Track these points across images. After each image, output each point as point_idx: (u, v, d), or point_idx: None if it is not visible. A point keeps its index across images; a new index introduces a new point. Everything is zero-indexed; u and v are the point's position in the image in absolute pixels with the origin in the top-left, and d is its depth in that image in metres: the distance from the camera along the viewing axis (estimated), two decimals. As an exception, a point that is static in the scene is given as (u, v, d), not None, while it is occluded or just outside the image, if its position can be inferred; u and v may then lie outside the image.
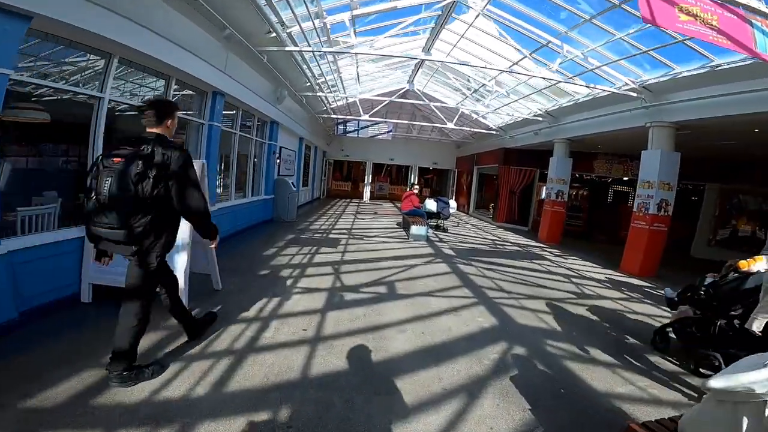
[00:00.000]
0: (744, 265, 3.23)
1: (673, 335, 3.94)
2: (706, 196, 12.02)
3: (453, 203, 11.35)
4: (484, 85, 10.95)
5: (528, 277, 6.65)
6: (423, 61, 10.49)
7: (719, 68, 6.09)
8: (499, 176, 14.79)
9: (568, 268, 7.87)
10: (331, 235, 9.07)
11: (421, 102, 12.48)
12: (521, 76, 9.53)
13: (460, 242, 9.81)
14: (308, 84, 10.10)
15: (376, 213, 15.01)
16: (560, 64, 7.42)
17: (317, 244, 7.75)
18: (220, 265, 4.65)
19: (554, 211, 11.20)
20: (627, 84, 7.56)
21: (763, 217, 11.51)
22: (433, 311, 4.58)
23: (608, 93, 8.37)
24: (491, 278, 6.31)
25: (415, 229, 9.30)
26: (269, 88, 9.02)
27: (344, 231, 9.90)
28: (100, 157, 2.45)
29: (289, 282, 5.20)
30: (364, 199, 20.38)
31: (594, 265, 8.49)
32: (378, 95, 14.08)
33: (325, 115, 14.29)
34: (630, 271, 7.90)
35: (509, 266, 7.44)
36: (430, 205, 11.15)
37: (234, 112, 7.98)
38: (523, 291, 5.73)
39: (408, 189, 11.56)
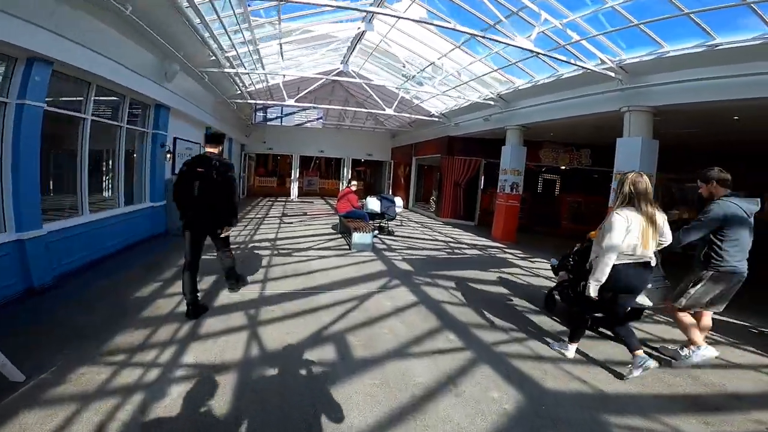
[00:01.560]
0: (593, 235, 3.71)
1: (558, 297, 4.67)
2: (648, 184, 11.77)
3: (399, 201, 9.65)
4: (432, 63, 9.33)
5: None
6: (361, 35, 8.59)
7: (718, 48, 5.23)
8: (443, 167, 13.46)
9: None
10: (247, 252, 6.83)
11: (358, 81, 10.57)
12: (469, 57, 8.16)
13: (411, 249, 8.15)
14: (213, 58, 7.65)
15: (305, 214, 12.82)
16: (530, 36, 5.98)
17: (222, 271, 5.49)
18: (52, 319, 3.01)
19: (509, 206, 10.05)
20: (603, 62, 6.42)
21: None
22: (418, 391, 2.79)
23: (578, 73, 7.32)
24: (474, 307, 4.68)
25: (358, 238, 7.42)
26: (150, 59, 6.50)
27: (266, 243, 7.67)
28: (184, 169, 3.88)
29: (165, 356, 3.04)
30: (292, 197, 17.93)
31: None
32: (306, 77, 11.84)
33: (240, 100, 11.67)
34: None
35: (483, 282, 5.91)
36: (373, 204, 9.34)
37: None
38: (519, 323, 4.18)
39: (345, 186, 9.48)
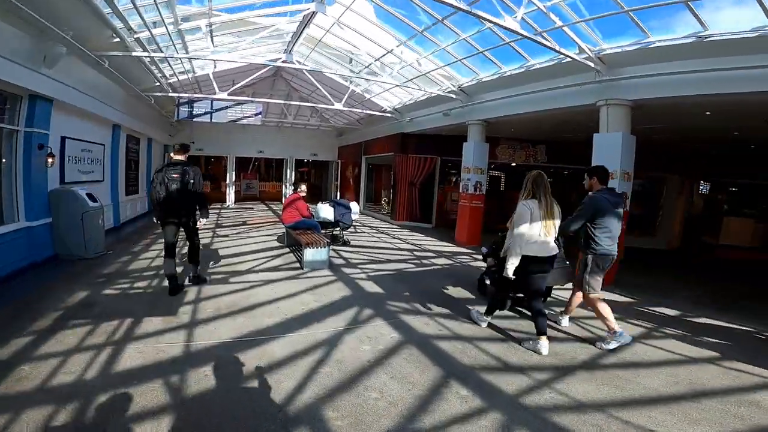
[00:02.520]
0: (509, 224, 3.87)
1: (488, 282, 5.06)
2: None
3: (355, 207, 8.49)
4: (390, 51, 8.29)
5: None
6: (311, 18, 7.33)
7: (709, 39, 4.84)
8: (396, 167, 12.52)
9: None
10: (163, 283, 5.08)
11: (306, 68, 9.21)
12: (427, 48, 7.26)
13: (374, 263, 7.05)
14: (117, 40, 5.98)
15: (245, 223, 11.18)
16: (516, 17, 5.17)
17: (132, 313, 3.98)
18: None
19: (473, 207, 9.33)
20: (582, 52, 5.81)
21: (648, 200, 11.88)
22: None
23: (550, 64, 6.79)
24: (475, 343, 3.70)
25: (312, 254, 6.16)
26: (19, 39, 4.82)
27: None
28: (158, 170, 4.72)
29: None
30: (228, 203, 15.93)
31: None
32: (243, 68, 10.26)
33: (159, 93, 9.77)
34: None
35: (470, 302, 4.98)
36: (325, 212, 8.10)
37: None
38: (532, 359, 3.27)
39: (292, 191, 8.05)
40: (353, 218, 8.32)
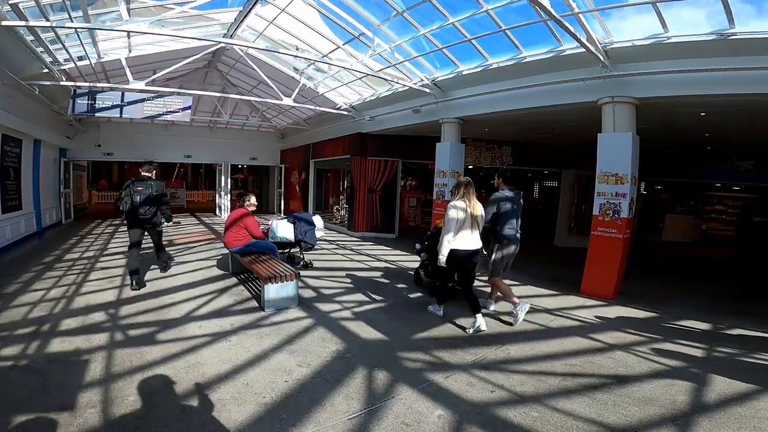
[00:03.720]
0: (438, 222, 5.14)
1: (423, 275, 5.74)
2: (563, 183, 11.56)
3: (320, 222, 6.94)
4: (357, 38, 6.97)
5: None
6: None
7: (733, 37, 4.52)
8: (354, 171, 11.17)
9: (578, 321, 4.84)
10: (50, 348, 3.38)
11: (251, 47, 7.56)
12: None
13: (353, 291, 5.62)
14: None
15: (172, 243, 9.04)
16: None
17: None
18: None
19: (451, 216, 8.29)
20: (586, 44, 5.04)
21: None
22: None
23: (547, 56, 6.07)
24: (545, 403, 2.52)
25: (275, 291, 4.58)
26: None
27: (99, 317, 4.22)
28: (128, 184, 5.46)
29: None
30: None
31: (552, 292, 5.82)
32: (167, 55, 8.27)
33: (48, 82, 7.39)
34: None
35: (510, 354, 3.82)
36: (284, 231, 6.49)
37: None
38: None
39: (238, 205, 6.02)
40: (318, 236, 6.80)
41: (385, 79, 7.80)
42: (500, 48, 6.59)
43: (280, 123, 14.30)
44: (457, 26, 6.06)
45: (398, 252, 8.79)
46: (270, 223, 6.65)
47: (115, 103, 7.88)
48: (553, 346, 3.87)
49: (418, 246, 5.78)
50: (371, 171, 10.89)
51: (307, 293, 5.32)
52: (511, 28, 5.89)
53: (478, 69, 7.01)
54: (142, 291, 5.16)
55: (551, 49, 6.01)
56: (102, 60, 7.86)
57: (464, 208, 3.99)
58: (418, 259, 5.97)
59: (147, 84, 7.74)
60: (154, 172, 5.98)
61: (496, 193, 4.56)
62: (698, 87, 5.01)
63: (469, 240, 4.06)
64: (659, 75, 5.16)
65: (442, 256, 4.03)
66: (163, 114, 8.49)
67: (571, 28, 4.69)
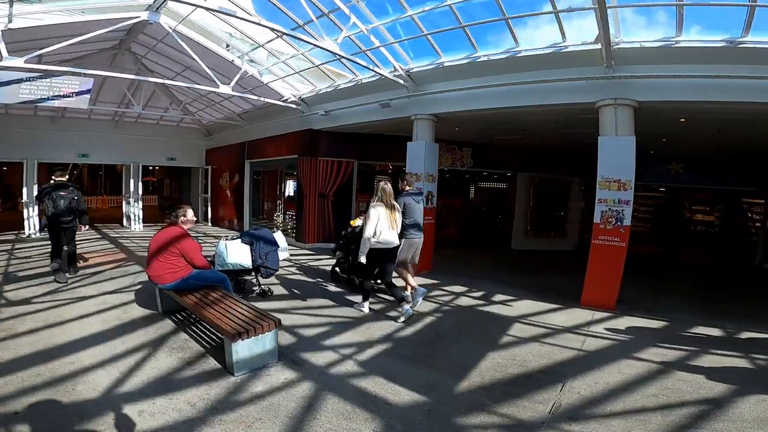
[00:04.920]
0: (353, 222, 5.89)
1: (339, 271, 6.11)
2: (519, 186, 11.38)
3: (282, 240, 5.42)
4: (314, 20, 5.69)
5: None
6: None
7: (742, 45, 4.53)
8: (302, 174, 9.73)
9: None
10: None
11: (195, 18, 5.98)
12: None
13: (341, 329, 4.37)
14: None
15: (79, 264, 6.72)
16: None
17: None
18: None
19: (426, 224, 7.32)
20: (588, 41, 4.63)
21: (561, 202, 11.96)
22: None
23: (547, 52, 5.57)
24: None
25: (246, 348, 3.12)
26: None
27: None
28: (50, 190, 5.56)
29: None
30: (30, 231, 10.19)
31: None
32: (67, 27, 6.15)
33: None
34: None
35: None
36: (237, 254, 4.88)
37: None
38: None
39: (169, 222, 4.32)
40: (282, 257, 5.32)
41: (365, 66, 6.56)
42: (492, 39, 5.94)
43: (206, 118, 12.20)
44: (453, 9, 5.18)
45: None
46: (217, 245, 5.03)
47: None
48: (611, 375, 3.40)
49: (332, 245, 6.45)
50: (323, 173, 9.54)
51: (284, 337, 3.90)
52: (515, 17, 5.25)
53: (465, 61, 6.25)
54: (23, 352, 3.31)
55: (553, 44, 5.51)
56: None
57: (382, 209, 4.49)
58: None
59: (28, 61, 5.58)
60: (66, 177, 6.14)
61: (401, 197, 5.01)
62: (703, 93, 4.89)
63: (388, 237, 4.53)
64: (665, 79, 4.94)
65: (362, 254, 4.49)
66: (49, 99, 6.26)
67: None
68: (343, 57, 6.24)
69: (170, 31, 6.62)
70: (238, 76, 7.62)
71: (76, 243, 6.24)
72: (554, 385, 3.16)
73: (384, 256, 4.61)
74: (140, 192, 12.09)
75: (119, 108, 10.59)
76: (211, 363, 3.33)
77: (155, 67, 9.65)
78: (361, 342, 3.98)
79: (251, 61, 8.36)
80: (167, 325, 4.17)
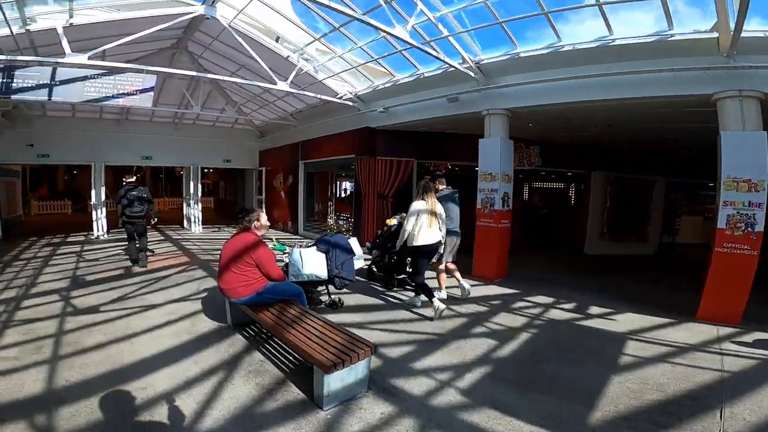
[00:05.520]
0: (389, 221, 6.03)
1: (375, 270, 6.14)
2: (593, 185, 10.34)
3: (358, 248, 5.04)
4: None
5: None
6: None
7: None
8: (360, 174, 9.33)
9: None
10: None
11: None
12: None
13: (431, 347, 3.85)
14: None
15: (132, 269, 6.75)
16: None
17: None
18: None
19: (501, 229, 6.67)
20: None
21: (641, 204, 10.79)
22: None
23: (649, 40, 4.93)
24: None
25: (339, 380, 2.69)
26: None
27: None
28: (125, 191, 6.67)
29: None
30: (98, 233, 10.65)
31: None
32: (126, 24, 6.17)
33: None
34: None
35: None
36: (313, 264, 4.45)
37: None
38: None
39: (241, 228, 3.92)
40: (357, 266, 4.91)
41: (436, 57, 6.01)
42: (576, 28, 5.28)
43: (259, 118, 12.15)
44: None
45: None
46: (288, 253, 4.67)
47: (42, 83, 5.56)
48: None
49: (368, 244, 6.47)
50: (382, 173, 9.08)
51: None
52: (610, 3, 4.55)
53: (546, 51, 5.59)
54: (91, 372, 3.06)
55: (657, 32, 4.82)
56: (29, 27, 5.61)
57: (423, 207, 4.51)
58: (488, 291, 4.83)
59: (91, 58, 5.53)
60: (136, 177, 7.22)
61: (438, 195, 4.93)
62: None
63: (428, 234, 4.50)
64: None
65: (398, 245, 4.73)
66: (114, 97, 6.22)
67: None
68: (414, 46, 5.69)
69: (226, 26, 6.49)
70: (294, 73, 7.38)
71: (146, 239, 7.18)
72: (710, 412, 2.71)
73: (423, 253, 4.60)
74: (200, 194, 12.25)
75: (178, 109, 10.70)
76: (294, 392, 2.92)
77: (211, 66, 9.65)
78: (456, 365, 3.46)
79: (306, 57, 8.08)
80: (239, 341, 3.83)
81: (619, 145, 9.68)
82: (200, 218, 12.28)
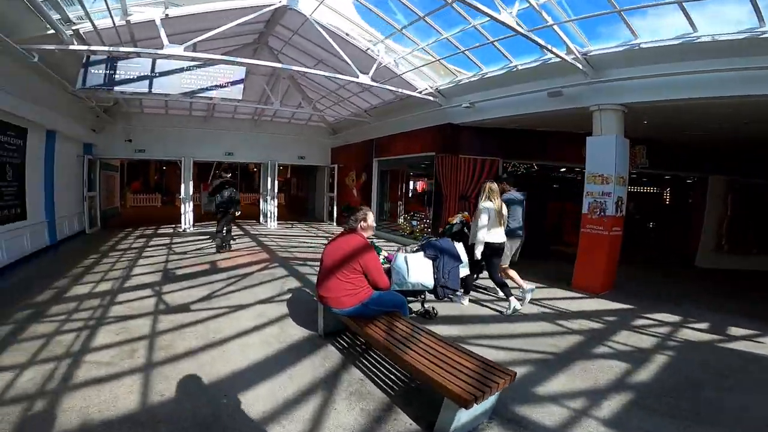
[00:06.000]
0: (451, 219, 5.62)
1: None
2: (710, 191, 8.88)
3: (463, 253, 4.60)
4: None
5: None
6: None
7: None
8: (441, 172, 8.78)
9: None
10: None
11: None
12: None
13: (549, 367, 3.23)
14: None
15: (214, 266, 6.83)
16: None
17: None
18: None
19: (612, 237, 5.77)
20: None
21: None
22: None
23: None
24: None
25: (464, 417, 2.21)
26: None
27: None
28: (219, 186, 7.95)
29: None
30: (184, 226, 11.23)
31: None
32: (214, 16, 6.23)
33: (52, 46, 5.23)
34: None
35: None
36: (419, 272, 4.03)
37: None
38: None
39: (348, 228, 3.55)
40: (462, 274, 4.41)
41: (543, 46, 5.31)
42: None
43: (333, 115, 12.06)
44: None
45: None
46: (394, 258, 4.25)
47: (142, 75, 5.71)
48: None
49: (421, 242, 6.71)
50: (464, 173, 8.45)
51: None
52: None
53: (675, 42, 4.68)
54: (184, 387, 2.86)
55: None
56: (129, 18, 5.79)
57: (491, 207, 4.57)
58: (607, 305, 4.40)
59: (187, 49, 5.57)
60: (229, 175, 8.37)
61: (505, 196, 5.00)
62: None
63: (497, 234, 4.63)
64: None
65: (478, 251, 4.53)
66: (208, 89, 6.27)
67: None
68: (520, 33, 5.02)
69: (308, 17, 6.36)
70: (375, 66, 7.05)
71: (230, 228, 8.19)
72: None
73: (492, 252, 4.65)
74: (276, 190, 12.48)
75: (259, 105, 10.90)
76: (404, 422, 2.50)
77: (289, 62, 9.68)
78: (587, 390, 2.92)
79: (389, 49, 7.72)
80: (332, 354, 3.49)
81: (742, 145, 8.18)
82: (276, 214, 12.52)
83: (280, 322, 4.20)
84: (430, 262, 4.11)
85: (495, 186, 4.72)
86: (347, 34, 7.51)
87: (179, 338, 3.65)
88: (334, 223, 13.29)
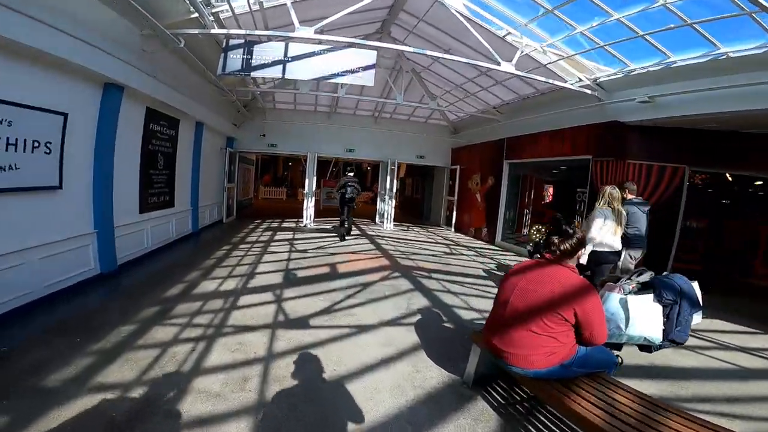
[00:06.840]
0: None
1: None
2: None
3: (698, 290, 3.12)
4: None
5: None
6: None
7: None
8: (596, 180, 7.15)
9: None
10: None
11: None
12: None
13: None
14: None
15: (335, 268, 6.41)
16: None
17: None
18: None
19: None
20: None
21: None
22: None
23: None
24: None
25: None
26: None
27: None
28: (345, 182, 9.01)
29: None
30: (306, 222, 11.43)
31: None
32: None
33: (195, 30, 5.22)
34: None
35: None
36: (646, 322, 2.83)
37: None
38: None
39: (551, 254, 2.47)
40: (695, 323, 3.04)
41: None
42: None
43: (456, 113, 11.02)
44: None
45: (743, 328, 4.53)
46: (606, 298, 3.06)
47: (276, 60, 5.50)
48: None
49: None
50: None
51: None
52: None
53: None
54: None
55: None
56: (262, 1, 5.66)
57: (609, 214, 4.31)
58: None
59: (316, 32, 5.18)
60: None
61: (624, 206, 4.60)
62: None
63: (610, 241, 4.31)
64: None
65: (584, 255, 4.19)
66: (339, 74, 5.83)
67: None
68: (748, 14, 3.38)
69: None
70: (518, 54, 5.85)
71: (353, 219, 9.49)
72: None
73: (601, 261, 4.37)
74: (395, 189, 12.00)
75: (380, 99, 10.47)
76: None
77: (412, 55, 9.03)
78: None
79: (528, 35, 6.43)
80: (486, 414, 2.58)
81: None
82: (392, 215, 12.06)
83: (413, 357, 3.40)
84: (660, 308, 2.86)
85: (616, 191, 4.46)
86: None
87: (297, 368, 3.08)
88: (452, 229, 12.31)
